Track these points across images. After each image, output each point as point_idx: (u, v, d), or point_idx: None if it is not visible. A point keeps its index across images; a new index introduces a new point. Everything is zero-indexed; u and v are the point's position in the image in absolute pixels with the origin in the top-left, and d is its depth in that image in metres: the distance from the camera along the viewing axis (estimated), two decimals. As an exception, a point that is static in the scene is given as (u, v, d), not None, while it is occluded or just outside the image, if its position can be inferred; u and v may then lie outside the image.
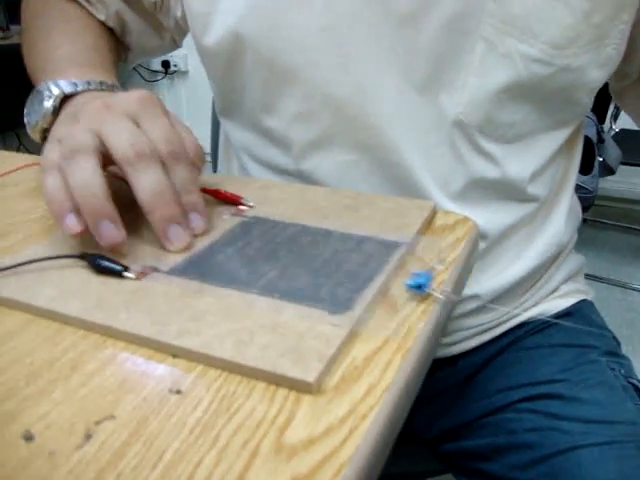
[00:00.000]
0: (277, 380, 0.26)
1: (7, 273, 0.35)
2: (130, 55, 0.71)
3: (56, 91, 0.49)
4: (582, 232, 0.70)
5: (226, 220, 0.42)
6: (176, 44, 0.71)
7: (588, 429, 0.52)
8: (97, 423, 0.24)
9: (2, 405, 0.25)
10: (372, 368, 0.27)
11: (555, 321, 0.63)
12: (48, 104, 0.48)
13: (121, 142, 0.36)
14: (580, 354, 0.60)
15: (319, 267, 0.36)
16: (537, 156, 0.55)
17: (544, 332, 0.63)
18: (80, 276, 0.35)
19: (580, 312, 0.66)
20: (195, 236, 0.39)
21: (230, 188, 0.46)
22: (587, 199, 1.18)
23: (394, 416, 0.25)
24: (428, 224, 0.42)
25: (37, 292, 0.33)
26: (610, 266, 1.98)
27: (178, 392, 0.26)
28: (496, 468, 0.57)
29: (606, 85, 0.57)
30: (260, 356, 0.27)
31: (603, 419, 0.53)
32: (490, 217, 0.55)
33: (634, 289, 1.86)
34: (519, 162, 0.54)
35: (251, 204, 0.44)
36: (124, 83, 0.55)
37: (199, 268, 0.35)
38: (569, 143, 0.59)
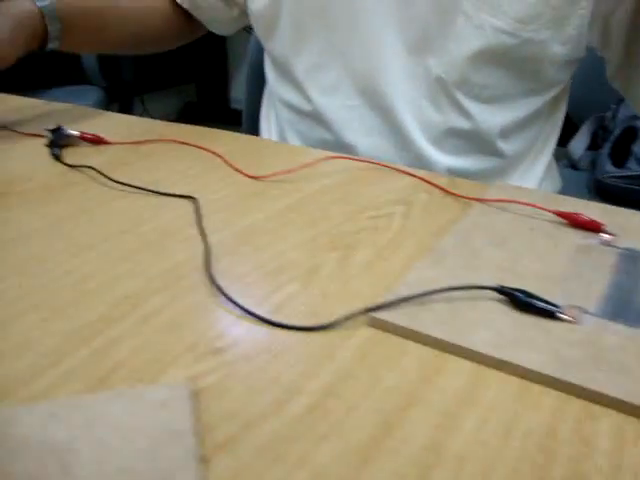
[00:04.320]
0: None
1: (409, 304, 0.31)
2: (204, 30, 0.83)
3: None
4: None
5: (597, 250, 0.39)
6: (247, 18, 0.77)
7: None
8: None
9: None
10: None
11: None
12: None
13: None
14: None
15: None
16: (508, 115, 0.65)
17: None
18: (501, 314, 0.30)
19: None
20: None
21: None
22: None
23: None
24: None
25: (467, 334, 0.29)
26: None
27: None
28: None
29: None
30: None
31: None
32: (465, 164, 0.67)
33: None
34: (490, 118, 0.64)
35: (614, 233, 0.41)
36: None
37: (623, 309, 0.31)
38: (548, 114, 0.70)
